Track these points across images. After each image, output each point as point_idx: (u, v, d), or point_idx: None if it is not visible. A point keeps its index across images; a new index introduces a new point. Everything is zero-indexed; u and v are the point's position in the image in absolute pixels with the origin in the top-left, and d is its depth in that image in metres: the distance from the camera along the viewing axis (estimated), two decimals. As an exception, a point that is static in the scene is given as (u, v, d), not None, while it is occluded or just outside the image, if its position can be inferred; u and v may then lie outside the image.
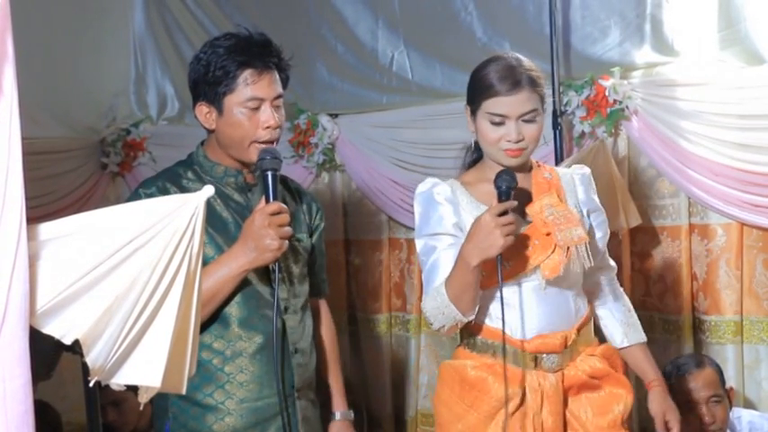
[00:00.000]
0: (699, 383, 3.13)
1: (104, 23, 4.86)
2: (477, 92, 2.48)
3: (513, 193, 2.38)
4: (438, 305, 2.40)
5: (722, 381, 3.19)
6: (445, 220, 2.49)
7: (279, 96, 2.48)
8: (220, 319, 2.43)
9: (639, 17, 3.65)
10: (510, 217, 2.33)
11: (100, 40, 4.84)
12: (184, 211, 1.23)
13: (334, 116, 4.45)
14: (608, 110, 3.63)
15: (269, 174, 2.34)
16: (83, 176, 4.73)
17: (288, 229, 2.34)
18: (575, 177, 2.66)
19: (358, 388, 4.41)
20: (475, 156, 2.66)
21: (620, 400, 2.53)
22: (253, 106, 2.42)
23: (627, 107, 3.62)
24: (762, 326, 3.48)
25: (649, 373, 2.68)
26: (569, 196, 2.59)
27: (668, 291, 3.68)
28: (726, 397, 3.16)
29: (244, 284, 2.42)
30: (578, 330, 2.54)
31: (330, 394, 2.79)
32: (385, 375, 4.40)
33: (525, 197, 2.51)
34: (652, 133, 3.61)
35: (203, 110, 2.47)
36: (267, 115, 2.43)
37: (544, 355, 2.47)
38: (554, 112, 3.67)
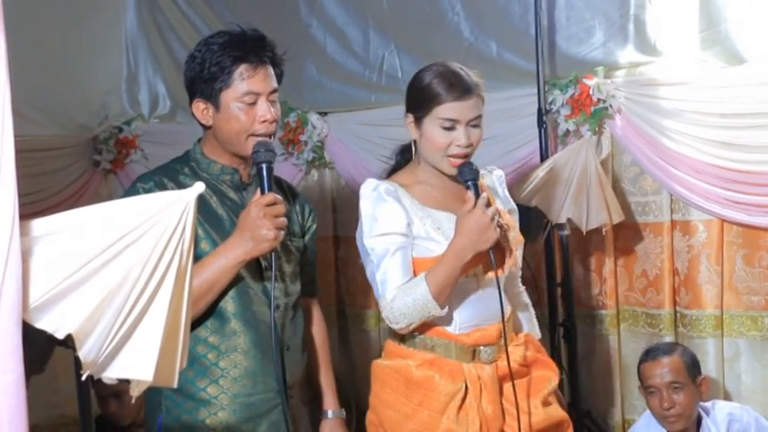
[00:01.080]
0: (663, 370, 3.15)
1: (97, 23, 4.85)
2: (427, 99, 2.51)
3: (479, 184, 2.46)
4: (415, 301, 2.41)
5: (691, 370, 3.19)
6: (397, 220, 2.50)
7: (274, 91, 2.47)
8: (216, 313, 2.41)
9: (623, 18, 3.67)
10: (495, 207, 2.42)
11: (93, 40, 4.83)
12: (175, 207, 1.22)
13: (323, 114, 4.45)
14: (592, 108, 3.64)
15: (263, 166, 2.33)
16: (75, 173, 4.72)
17: (283, 220, 2.33)
18: (494, 179, 2.73)
19: (347, 381, 4.41)
20: (402, 159, 2.71)
21: (547, 380, 2.63)
22: (249, 101, 2.40)
23: (610, 106, 3.63)
24: (741, 320, 3.50)
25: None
26: (496, 196, 2.66)
27: (650, 285, 3.70)
28: (693, 386, 3.16)
29: (237, 281, 2.40)
30: (507, 323, 2.59)
31: (321, 393, 2.77)
32: (373, 369, 4.40)
33: (459, 199, 2.52)
34: (635, 131, 3.62)
35: (200, 106, 2.45)
36: (264, 109, 2.41)
37: (482, 348, 2.52)
38: (539, 110, 3.69)
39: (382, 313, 2.52)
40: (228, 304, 2.41)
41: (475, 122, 2.51)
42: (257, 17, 4.33)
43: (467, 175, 2.45)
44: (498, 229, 2.40)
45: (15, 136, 1.13)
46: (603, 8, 3.72)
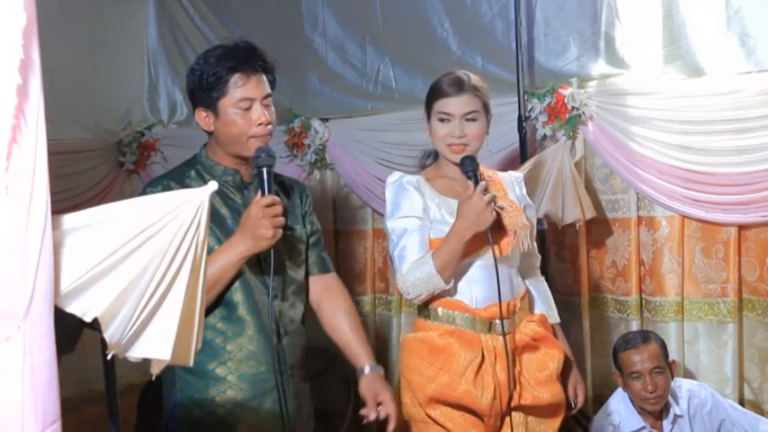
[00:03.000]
0: (644, 356, 3.16)
1: (122, 39, 4.85)
2: (430, 97, 2.65)
3: (479, 174, 2.52)
4: (423, 276, 2.49)
5: (665, 354, 3.22)
6: (415, 205, 2.58)
7: (267, 96, 2.46)
8: (224, 302, 2.41)
9: (595, 34, 3.67)
10: (493, 194, 2.49)
11: (118, 54, 4.84)
12: (191, 204, 1.23)
13: (324, 120, 4.44)
14: (567, 116, 3.64)
15: (264, 170, 2.32)
16: (102, 174, 4.72)
17: (281, 219, 2.32)
18: (512, 179, 2.81)
19: (346, 361, 4.41)
20: (432, 159, 2.79)
21: (553, 358, 2.66)
22: (245, 106, 2.40)
23: (583, 113, 3.63)
24: (700, 306, 3.52)
25: (564, 351, 2.79)
26: (510, 192, 2.74)
27: (619, 275, 3.70)
28: (668, 369, 3.19)
29: (240, 273, 2.40)
30: (519, 301, 2.66)
31: (356, 354, 2.65)
32: (370, 350, 4.41)
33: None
34: (605, 136, 3.62)
35: (202, 114, 2.45)
36: (258, 113, 2.41)
37: (496, 321, 2.55)
38: (519, 117, 3.69)
39: (397, 285, 2.59)
40: (235, 294, 2.42)
41: (470, 116, 2.60)
42: (266, 34, 4.34)
43: (467, 167, 2.53)
44: (494, 213, 2.46)
45: (48, 140, 1.14)
46: (577, 26, 3.73)
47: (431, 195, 2.61)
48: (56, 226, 1.16)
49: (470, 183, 2.50)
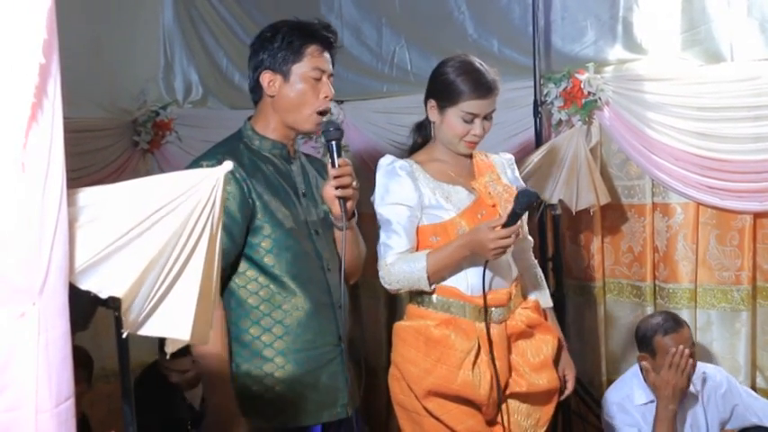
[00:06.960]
0: (684, 338, 3.12)
1: (138, 18, 4.85)
2: (454, 92, 2.56)
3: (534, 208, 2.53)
4: (411, 272, 2.48)
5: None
6: (405, 193, 2.55)
7: (332, 74, 2.51)
8: (277, 278, 2.39)
9: (613, 19, 3.65)
10: (509, 240, 2.40)
11: (134, 34, 4.83)
12: (207, 183, 1.22)
13: (340, 102, 4.43)
14: (583, 101, 3.63)
15: (333, 144, 2.37)
16: (117, 152, 4.73)
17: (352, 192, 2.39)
18: (503, 161, 2.78)
19: (359, 343, 4.42)
20: (420, 140, 2.76)
21: (547, 343, 2.66)
22: (316, 76, 2.44)
23: (600, 98, 3.62)
24: (713, 293, 3.51)
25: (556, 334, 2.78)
26: (502, 175, 2.71)
27: (634, 261, 3.70)
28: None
29: (292, 245, 2.40)
30: (514, 287, 2.64)
31: None
32: (381, 332, 4.41)
33: (470, 175, 2.64)
34: (621, 122, 3.61)
35: (267, 77, 2.45)
36: (327, 88, 2.47)
37: (494, 309, 2.54)
38: (535, 101, 3.68)
39: (379, 272, 2.57)
40: (288, 268, 2.40)
41: (489, 116, 2.59)
42: (281, 14, 4.28)
43: (524, 199, 2.38)
44: (497, 255, 2.42)
45: (64, 118, 1.14)
46: (595, 10, 3.70)
47: (425, 181, 2.57)
48: (71, 202, 1.16)
49: (503, 216, 2.42)
